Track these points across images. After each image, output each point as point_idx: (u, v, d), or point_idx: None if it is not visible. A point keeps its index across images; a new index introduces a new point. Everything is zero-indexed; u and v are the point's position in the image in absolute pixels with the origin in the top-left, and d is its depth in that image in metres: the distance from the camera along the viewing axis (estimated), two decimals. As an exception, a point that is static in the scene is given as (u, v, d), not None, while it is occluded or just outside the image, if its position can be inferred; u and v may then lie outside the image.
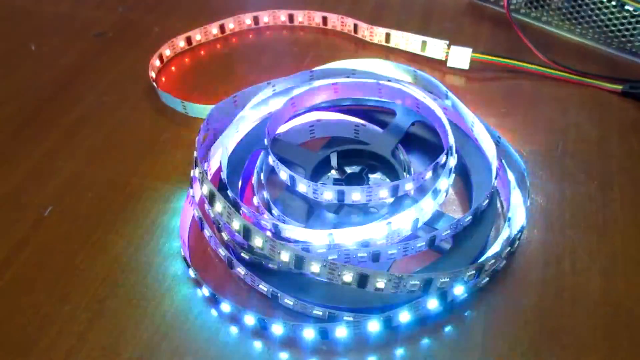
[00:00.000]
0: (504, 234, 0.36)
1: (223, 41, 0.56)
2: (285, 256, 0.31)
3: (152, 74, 0.50)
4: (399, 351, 0.33)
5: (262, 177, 0.40)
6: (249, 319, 0.33)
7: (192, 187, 0.38)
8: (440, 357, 0.32)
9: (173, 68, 0.53)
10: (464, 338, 0.33)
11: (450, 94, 0.42)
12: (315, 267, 0.31)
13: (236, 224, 0.33)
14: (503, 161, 0.40)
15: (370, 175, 0.41)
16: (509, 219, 0.37)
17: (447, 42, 0.51)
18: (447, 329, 0.33)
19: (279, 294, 0.33)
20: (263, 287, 0.34)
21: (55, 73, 0.53)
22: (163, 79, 0.52)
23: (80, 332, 0.34)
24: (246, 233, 0.32)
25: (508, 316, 0.34)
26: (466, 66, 0.50)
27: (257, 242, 0.32)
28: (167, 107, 0.48)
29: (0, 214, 0.41)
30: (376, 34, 0.54)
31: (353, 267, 0.30)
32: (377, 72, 0.45)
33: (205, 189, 0.35)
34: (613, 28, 0.51)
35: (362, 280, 0.30)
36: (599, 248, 0.37)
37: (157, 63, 0.52)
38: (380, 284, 0.30)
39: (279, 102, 0.43)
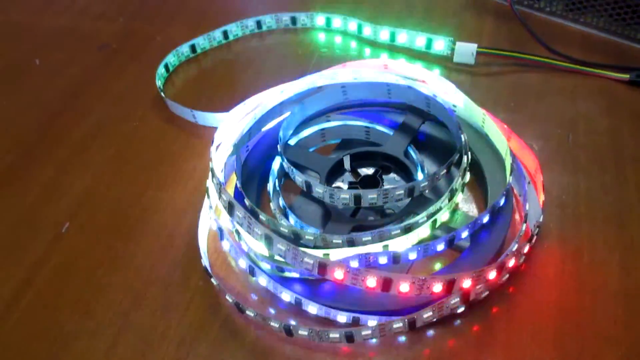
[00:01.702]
0: (522, 230, 0.36)
1: (227, 47, 0.56)
2: (307, 264, 0.31)
3: (159, 84, 0.51)
4: (424, 352, 0.33)
5: (276, 184, 0.40)
6: (274, 327, 0.33)
7: (209, 197, 0.38)
8: (464, 356, 0.33)
9: (179, 77, 0.53)
10: (488, 336, 0.33)
11: (458, 90, 0.42)
12: (338, 273, 0.31)
13: (257, 233, 0.33)
14: (516, 156, 0.40)
15: (384, 177, 0.41)
16: (526, 215, 0.37)
17: (452, 38, 0.51)
18: (471, 327, 0.34)
19: (302, 301, 0.33)
20: (286, 295, 0.34)
21: (61, 88, 0.53)
22: (170, 88, 0.52)
23: (106, 347, 0.34)
24: (267, 241, 0.33)
25: (530, 312, 0.34)
26: (472, 62, 0.51)
27: (279, 250, 0.32)
28: (176, 117, 0.48)
29: (17, 233, 0.41)
30: (380, 33, 0.54)
31: (377, 272, 0.30)
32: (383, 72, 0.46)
33: (224, 200, 0.35)
34: (617, 17, 0.51)
35: (386, 284, 0.31)
36: (616, 239, 0.37)
37: (164, 72, 0.52)
38: (404, 287, 0.31)
39: (288, 107, 0.43)
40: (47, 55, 0.57)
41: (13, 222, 0.42)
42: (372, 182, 0.40)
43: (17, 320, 0.36)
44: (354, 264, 0.33)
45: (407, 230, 0.34)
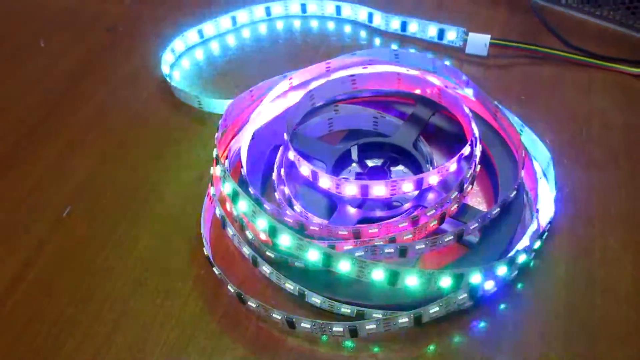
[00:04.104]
0: (533, 225, 0.35)
1: (235, 33, 0.55)
2: (313, 254, 0.31)
3: (165, 69, 0.50)
4: (430, 348, 0.32)
5: (282, 173, 0.40)
6: (277, 318, 0.32)
7: (212, 185, 0.38)
8: (471, 353, 0.32)
9: (186, 62, 0.52)
10: (495, 333, 0.33)
11: (471, 81, 0.41)
12: (344, 265, 0.30)
13: (262, 223, 0.32)
14: (528, 150, 0.39)
15: (392, 168, 0.40)
16: (537, 211, 0.36)
17: (465, 29, 0.50)
18: (478, 324, 0.33)
19: (305, 292, 0.33)
20: (289, 285, 0.33)
21: (66, 69, 0.52)
22: (176, 73, 0.51)
23: (106, 333, 0.34)
24: (272, 231, 0.32)
25: (539, 309, 0.33)
26: (485, 53, 0.49)
27: (284, 240, 0.32)
28: (182, 103, 0.48)
29: (19, 215, 0.40)
30: (391, 22, 0.52)
31: (384, 265, 0.30)
32: (394, 61, 0.45)
33: (228, 188, 0.34)
34: (634, 10, 0.50)
35: (393, 277, 0.30)
36: (630, 237, 0.36)
37: (170, 57, 0.51)
38: (412, 280, 0.30)
39: (296, 95, 0.42)
40: (53, 37, 0.56)
41: (15, 204, 0.41)
42: (379, 173, 0.39)
43: (17, 302, 0.35)
44: (360, 256, 0.33)
45: (415, 223, 0.33)
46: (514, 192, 0.36)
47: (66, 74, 0.52)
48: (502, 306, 0.33)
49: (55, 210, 0.40)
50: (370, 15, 0.53)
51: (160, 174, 0.42)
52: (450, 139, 0.42)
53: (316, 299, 0.33)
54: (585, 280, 0.34)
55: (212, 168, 0.38)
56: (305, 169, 0.37)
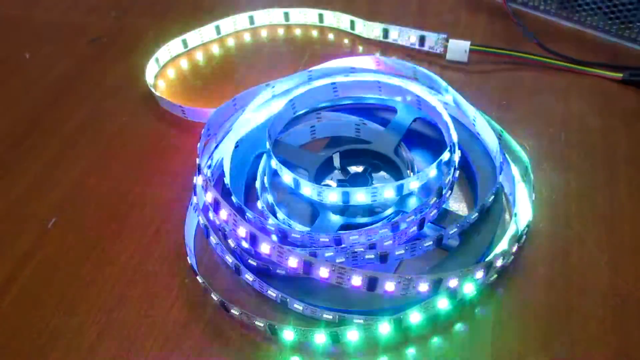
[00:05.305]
0: (511, 229, 0.36)
1: (219, 42, 0.55)
2: (293, 262, 0.31)
3: (150, 79, 0.50)
4: (410, 352, 0.33)
5: (265, 181, 0.40)
6: (260, 325, 0.33)
7: (195, 194, 0.38)
8: (451, 356, 0.32)
9: (170, 72, 0.53)
10: (474, 336, 0.33)
11: (450, 88, 0.42)
12: (323, 272, 0.31)
13: (242, 231, 0.33)
14: (506, 155, 0.40)
15: (374, 175, 0.41)
16: (515, 214, 0.37)
17: (446, 35, 0.50)
18: (457, 327, 0.33)
19: (288, 299, 0.33)
20: (272, 293, 0.34)
21: (51, 81, 0.52)
22: (160, 83, 0.52)
23: (90, 345, 0.34)
24: (253, 240, 0.32)
25: (517, 312, 0.34)
26: (465, 59, 0.50)
27: (264, 248, 0.32)
28: (166, 112, 0.48)
29: (4, 227, 0.40)
30: (373, 30, 0.53)
31: (362, 271, 0.30)
32: (375, 69, 0.45)
33: (210, 197, 0.34)
34: (612, 15, 0.51)
35: (372, 283, 0.30)
36: (607, 239, 0.37)
37: (154, 67, 0.52)
38: (390, 286, 0.30)
39: (278, 103, 0.43)
40: (38, 49, 0.56)
41: (0, 216, 0.41)
42: (361, 180, 0.40)
43: (1, 315, 0.35)
44: (341, 262, 0.33)
45: (395, 228, 0.34)
46: (493, 197, 0.36)
47: (51, 86, 0.52)
48: (481, 309, 0.34)
49: (39, 222, 0.40)
50: (352, 23, 0.54)
51: (145, 183, 0.43)
52: (431, 145, 0.42)
53: (298, 306, 0.33)
54: (563, 282, 0.35)
55: (194, 177, 0.38)
56: (287, 177, 0.37)
